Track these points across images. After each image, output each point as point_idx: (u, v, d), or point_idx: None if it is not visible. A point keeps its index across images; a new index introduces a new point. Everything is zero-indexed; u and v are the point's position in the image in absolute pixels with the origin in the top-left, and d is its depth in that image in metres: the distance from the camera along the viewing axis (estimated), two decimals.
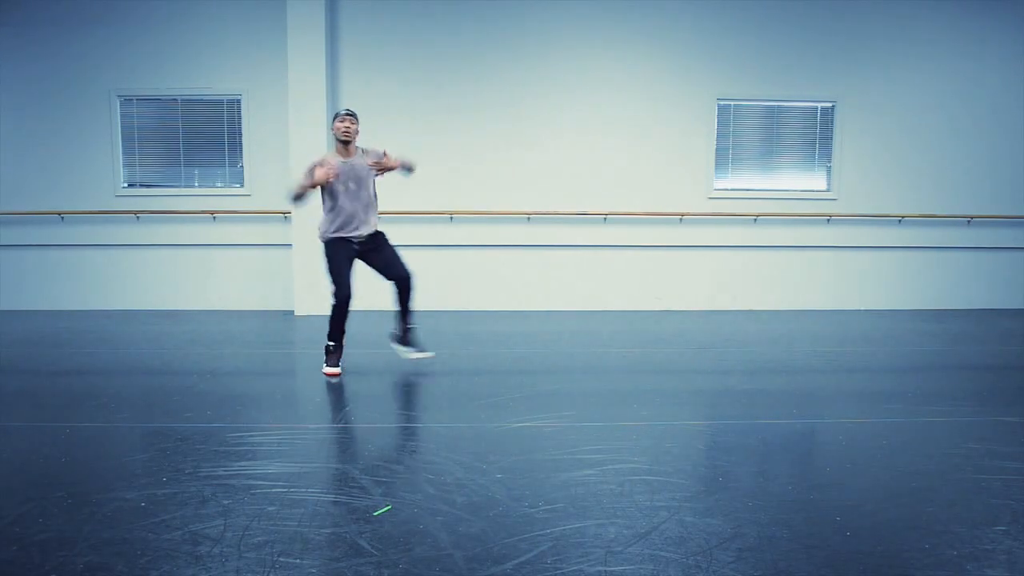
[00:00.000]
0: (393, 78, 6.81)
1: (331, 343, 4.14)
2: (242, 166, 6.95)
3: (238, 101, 6.86)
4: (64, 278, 7.00)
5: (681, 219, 7.09)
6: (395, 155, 4.18)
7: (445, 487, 2.36)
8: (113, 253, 6.99)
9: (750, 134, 7.11)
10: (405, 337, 4.29)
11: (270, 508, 2.17)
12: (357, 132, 4.02)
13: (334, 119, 4.02)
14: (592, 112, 6.93)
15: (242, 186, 6.95)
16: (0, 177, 6.86)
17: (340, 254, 4.03)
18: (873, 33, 7.01)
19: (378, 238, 4.16)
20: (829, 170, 7.18)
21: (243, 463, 2.58)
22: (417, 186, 6.78)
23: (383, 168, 4.08)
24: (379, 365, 4.41)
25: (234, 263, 7.02)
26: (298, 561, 1.83)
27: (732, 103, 7.04)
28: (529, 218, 7.00)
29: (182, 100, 6.87)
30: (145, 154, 6.94)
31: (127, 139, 6.90)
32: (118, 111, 6.85)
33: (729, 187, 7.14)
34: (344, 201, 3.98)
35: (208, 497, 2.25)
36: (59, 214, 6.85)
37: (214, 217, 6.92)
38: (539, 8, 6.81)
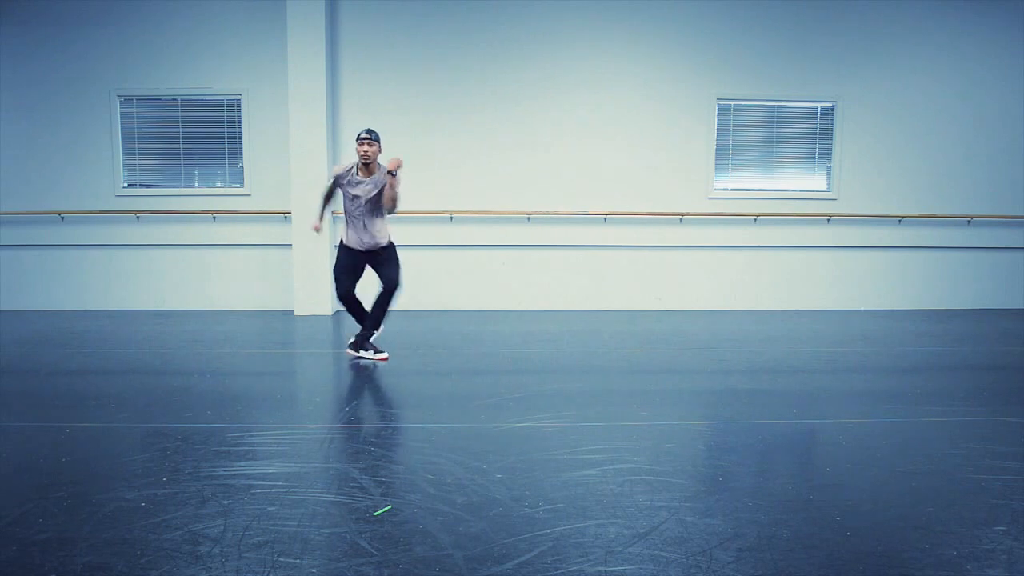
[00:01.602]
0: (393, 78, 6.81)
1: (364, 333, 4.53)
2: (242, 166, 6.95)
3: (238, 101, 6.86)
4: (64, 278, 7.00)
5: (681, 219, 7.09)
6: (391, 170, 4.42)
7: (445, 487, 2.36)
8: (113, 253, 6.98)
9: (750, 134, 7.10)
10: (362, 338, 4.54)
11: (270, 508, 2.17)
12: (378, 152, 4.31)
13: (356, 139, 4.29)
14: (592, 112, 6.93)
15: (242, 186, 6.95)
16: (0, 177, 6.86)
17: (344, 261, 4.47)
18: (873, 33, 7.01)
19: (387, 250, 4.50)
20: (829, 170, 7.18)
21: (243, 463, 2.58)
22: (417, 186, 6.78)
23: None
24: (379, 365, 4.41)
25: (234, 263, 7.02)
26: (298, 561, 1.83)
27: (732, 103, 7.04)
28: (529, 218, 7.00)
29: (182, 100, 6.87)
30: (145, 154, 6.93)
31: (127, 139, 6.90)
32: (118, 111, 6.85)
33: (729, 187, 7.14)
34: (357, 217, 4.36)
35: (208, 497, 2.25)
36: (59, 214, 6.85)
37: (214, 217, 6.91)
38: (539, 8, 6.80)
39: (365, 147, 4.23)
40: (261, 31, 6.75)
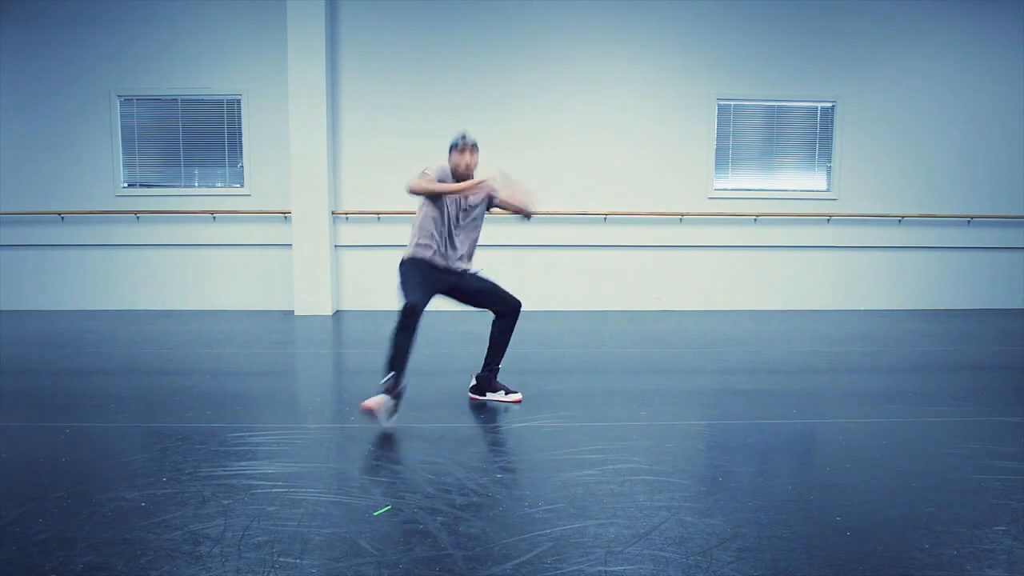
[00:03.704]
0: (393, 78, 6.80)
1: (391, 372, 3.03)
2: (242, 166, 6.95)
3: (238, 101, 6.86)
4: (64, 278, 7.00)
5: (681, 219, 7.08)
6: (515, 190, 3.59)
7: (445, 487, 2.36)
8: (113, 253, 6.98)
9: (750, 134, 7.10)
10: (489, 379, 3.59)
11: (270, 508, 2.17)
12: (477, 163, 3.45)
13: (452, 149, 3.36)
14: (592, 112, 6.93)
15: (242, 186, 6.95)
16: (0, 177, 6.86)
17: (419, 276, 3.30)
18: (873, 33, 7.01)
19: (472, 275, 3.58)
20: (829, 170, 7.18)
21: (243, 463, 2.58)
22: None
23: (503, 205, 3.58)
24: (378, 365, 4.41)
25: (234, 263, 7.01)
26: (298, 561, 1.83)
27: (732, 103, 7.03)
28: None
29: (182, 100, 6.87)
30: (145, 154, 6.93)
31: (127, 139, 6.89)
32: (118, 111, 6.85)
33: (729, 187, 7.14)
34: (452, 231, 3.42)
35: (208, 497, 2.25)
36: (59, 214, 6.85)
37: (214, 217, 6.91)
38: (539, 8, 6.80)
39: (468, 157, 3.34)
40: (261, 31, 6.75)
